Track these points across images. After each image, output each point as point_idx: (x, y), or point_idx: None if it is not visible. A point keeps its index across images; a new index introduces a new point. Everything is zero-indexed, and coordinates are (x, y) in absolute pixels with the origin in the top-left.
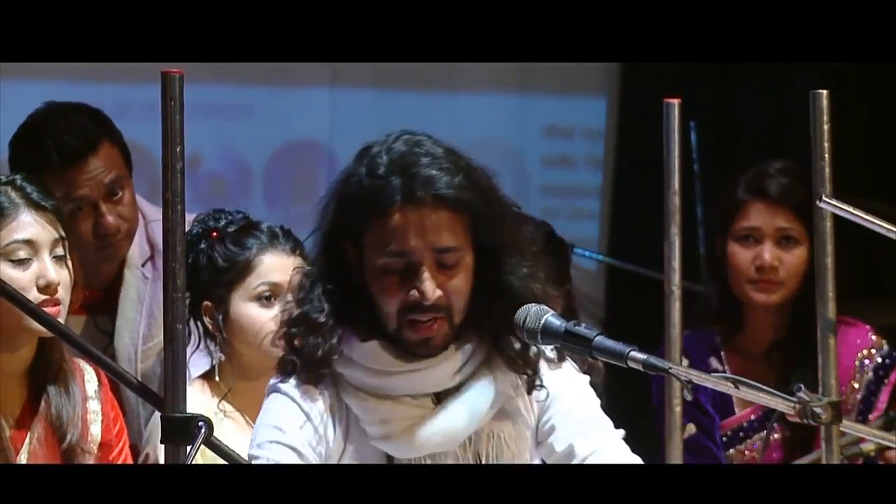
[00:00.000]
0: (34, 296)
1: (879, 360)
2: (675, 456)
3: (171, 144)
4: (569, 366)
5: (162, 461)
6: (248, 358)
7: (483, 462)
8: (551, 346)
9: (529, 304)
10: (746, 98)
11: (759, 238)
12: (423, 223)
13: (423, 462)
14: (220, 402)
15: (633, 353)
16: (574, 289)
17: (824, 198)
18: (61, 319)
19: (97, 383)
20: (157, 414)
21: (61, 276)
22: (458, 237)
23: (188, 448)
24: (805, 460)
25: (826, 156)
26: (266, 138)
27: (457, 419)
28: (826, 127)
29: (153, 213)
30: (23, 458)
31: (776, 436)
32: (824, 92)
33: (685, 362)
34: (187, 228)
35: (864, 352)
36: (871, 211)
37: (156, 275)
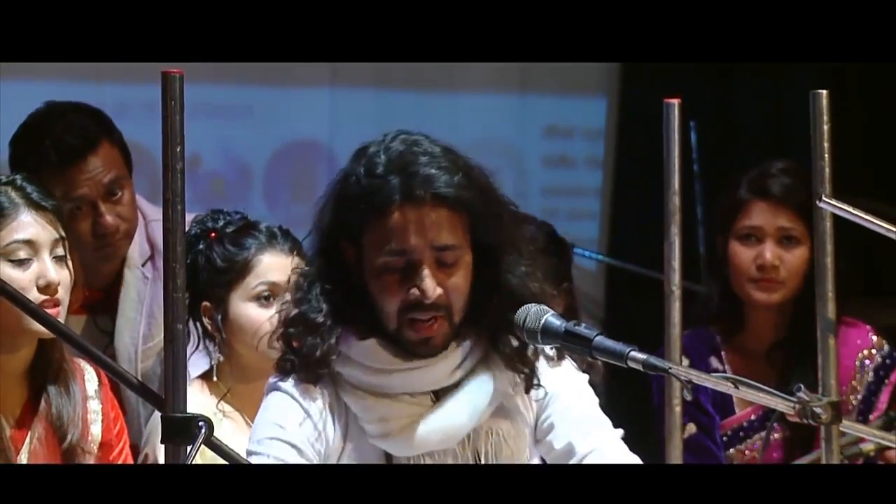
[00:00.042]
0: (34, 296)
1: (880, 360)
2: (675, 456)
3: (171, 144)
4: (568, 364)
5: (161, 461)
6: (246, 359)
7: (482, 459)
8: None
9: (529, 304)
10: (746, 98)
11: (760, 237)
12: (422, 221)
13: (421, 460)
14: (219, 402)
15: (633, 353)
16: (575, 289)
17: (824, 198)
18: (61, 319)
19: (97, 383)
20: (156, 415)
21: (61, 276)
22: (457, 235)
23: (188, 448)
24: (805, 460)
25: (826, 156)
26: (266, 138)
27: (455, 417)
28: (826, 127)
29: (153, 213)
30: (23, 458)
31: (776, 435)
32: (824, 92)
33: (685, 362)
34: (186, 229)
35: (865, 352)
36: (871, 211)
37: (156, 274)
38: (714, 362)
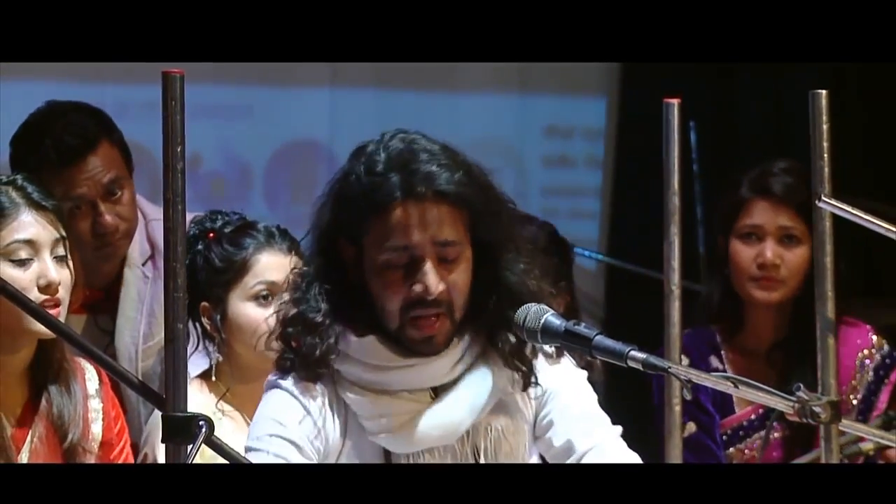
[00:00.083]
0: (35, 296)
1: (880, 359)
2: (675, 455)
3: (171, 144)
4: (567, 361)
5: (161, 460)
6: (245, 358)
7: (481, 455)
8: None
9: (529, 304)
10: (746, 98)
11: (761, 236)
12: (424, 217)
13: (421, 456)
14: (218, 401)
15: (633, 353)
16: (575, 288)
17: (823, 197)
18: (62, 319)
19: (98, 382)
20: (156, 414)
21: (62, 275)
22: (458, 232)
23: (189, 447)
24: (805, 459)
25: (825, 156)
26: (266, 138)
27: (454, 413)
28: (825, 127)
29: (154, 213)
30: (24, 458)
31: (776, 435)
32: (824, 92)
33: (685, 361)
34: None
35: (865, 352)
36: (871, 211)
37: (156, 274)
38: (714, 361)
